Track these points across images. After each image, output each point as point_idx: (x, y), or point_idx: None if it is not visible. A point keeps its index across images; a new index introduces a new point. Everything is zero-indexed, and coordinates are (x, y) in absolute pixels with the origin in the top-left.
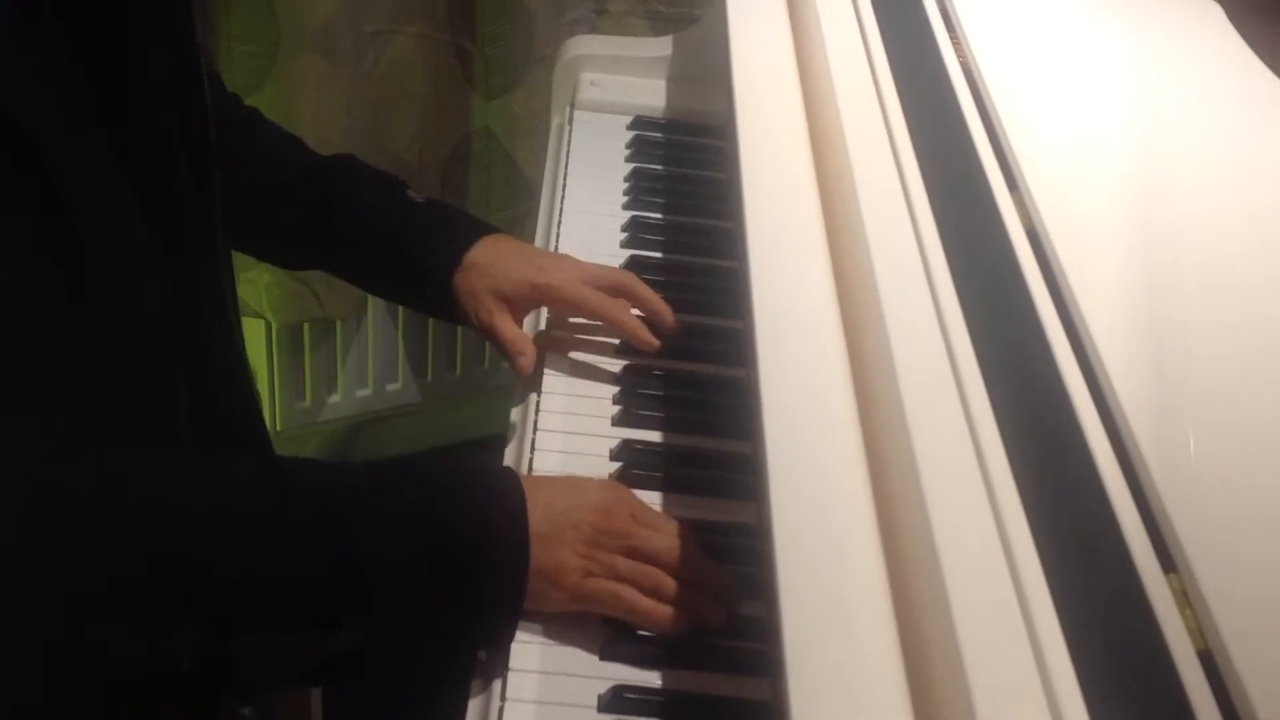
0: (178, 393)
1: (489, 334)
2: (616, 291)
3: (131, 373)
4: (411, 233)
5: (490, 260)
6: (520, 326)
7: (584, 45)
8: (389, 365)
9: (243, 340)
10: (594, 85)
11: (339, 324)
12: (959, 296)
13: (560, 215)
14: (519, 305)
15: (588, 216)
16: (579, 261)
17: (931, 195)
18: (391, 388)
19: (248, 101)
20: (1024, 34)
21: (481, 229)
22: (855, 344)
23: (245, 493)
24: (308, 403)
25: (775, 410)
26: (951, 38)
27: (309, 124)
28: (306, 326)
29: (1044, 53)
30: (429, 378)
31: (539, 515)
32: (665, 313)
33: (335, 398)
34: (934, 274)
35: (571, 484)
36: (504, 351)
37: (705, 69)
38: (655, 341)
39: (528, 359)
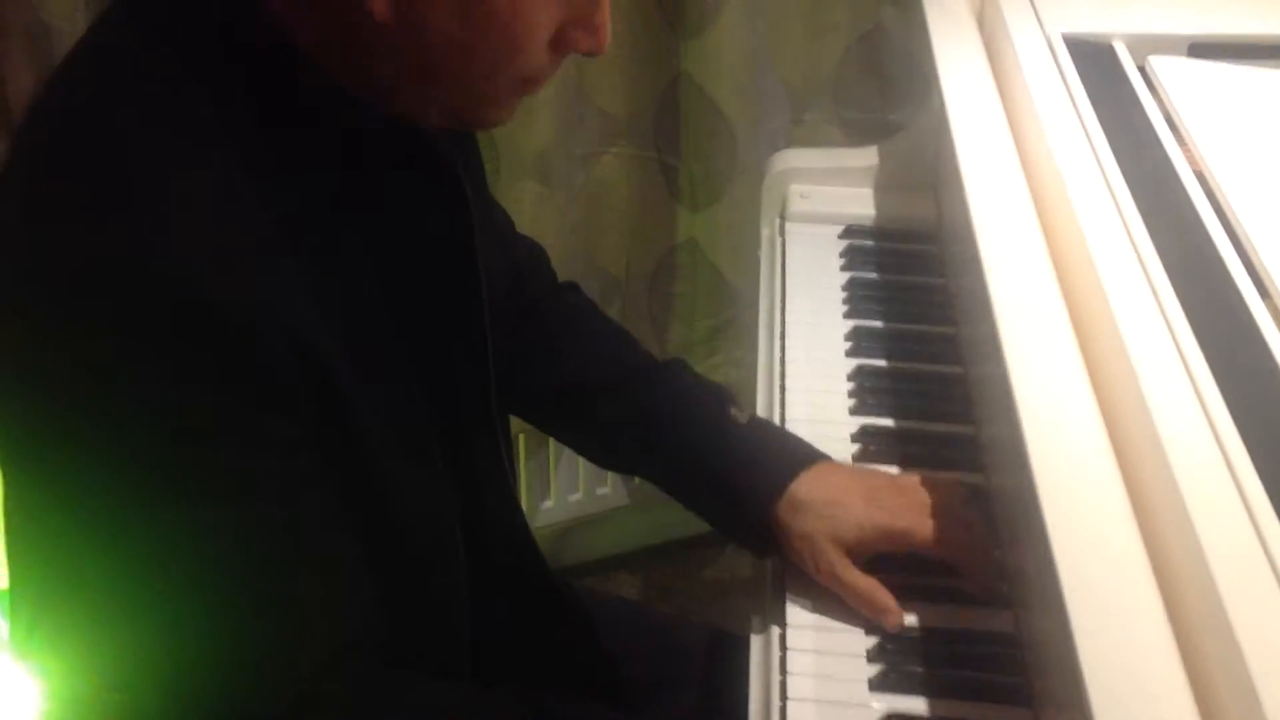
0: (459, 588)
1: (835, 586)
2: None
3: (414, 579)
4: (729, 455)
5: (825, 498)
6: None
7: (791, 159)
8: (598, 470)
9: (517, 498)
10: (804, 198)
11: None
12: (1245, 444)
13: (783, 327)
14: (864, 552)
15: (809, 327)
16: (912, 481)
17: (1186, 307)
18: (601, 491)
19: None
20: (1246, 131)
21: (808, 457)
22: (1124, 454)
23: None
24: (525, 509)
25: (1059, 523)
26: (1177, 138)
27: None
28: (522, 438)
29: (1269, 150)
30: (636, 480)
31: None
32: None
33: (549, 503)
34: (1204, 396)
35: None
36: (861, 607)
37: (913, 177)
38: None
39: (895, 616)
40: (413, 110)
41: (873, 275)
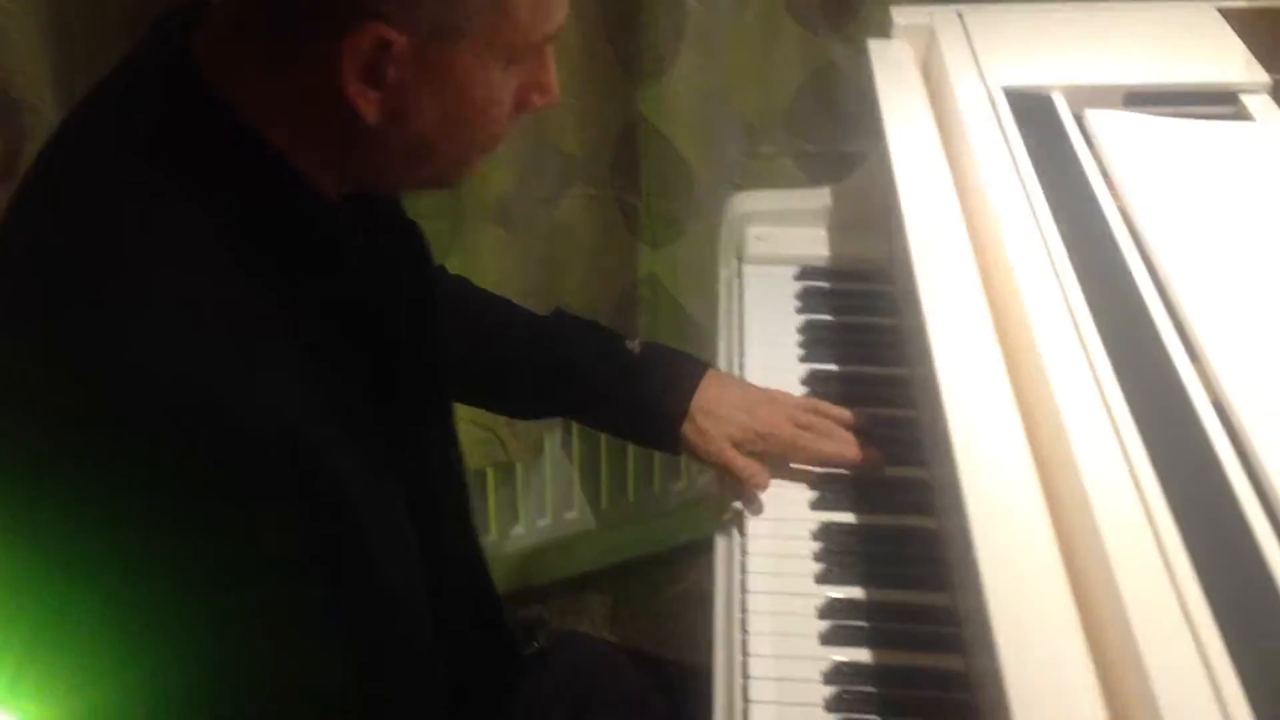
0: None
1: (722, 467)
2: (815, 412)
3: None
4: (634, 383)
5: (718, 409)
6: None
7: (748, 202)
8: (566, 495)
9: (470, 522)
10: (760, 240)
11: (518, 464)
12: (1163, 489)
13: (741, 372)
14: (745, 447)
15: (765, 370)
16: (784, 400)
17: (1111, 355)
18: (569, 515)
19: None
20: (1179, 184)
21: (699, 370)
22: (1051, 490)
23: None
24: (493, 535)
25: (992, 565)
26: (1109, 188)
27: (491, 286)
28: (490, 471)
29: (1201, 204)
30: (603, 504)
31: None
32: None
33: (518, 529)
34: (1128, 447)
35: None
36: (739, 479)
37: (866, 216)
38: (871, 455)
39: (762, 478)
40: (387, 186)
41: (828, 318)
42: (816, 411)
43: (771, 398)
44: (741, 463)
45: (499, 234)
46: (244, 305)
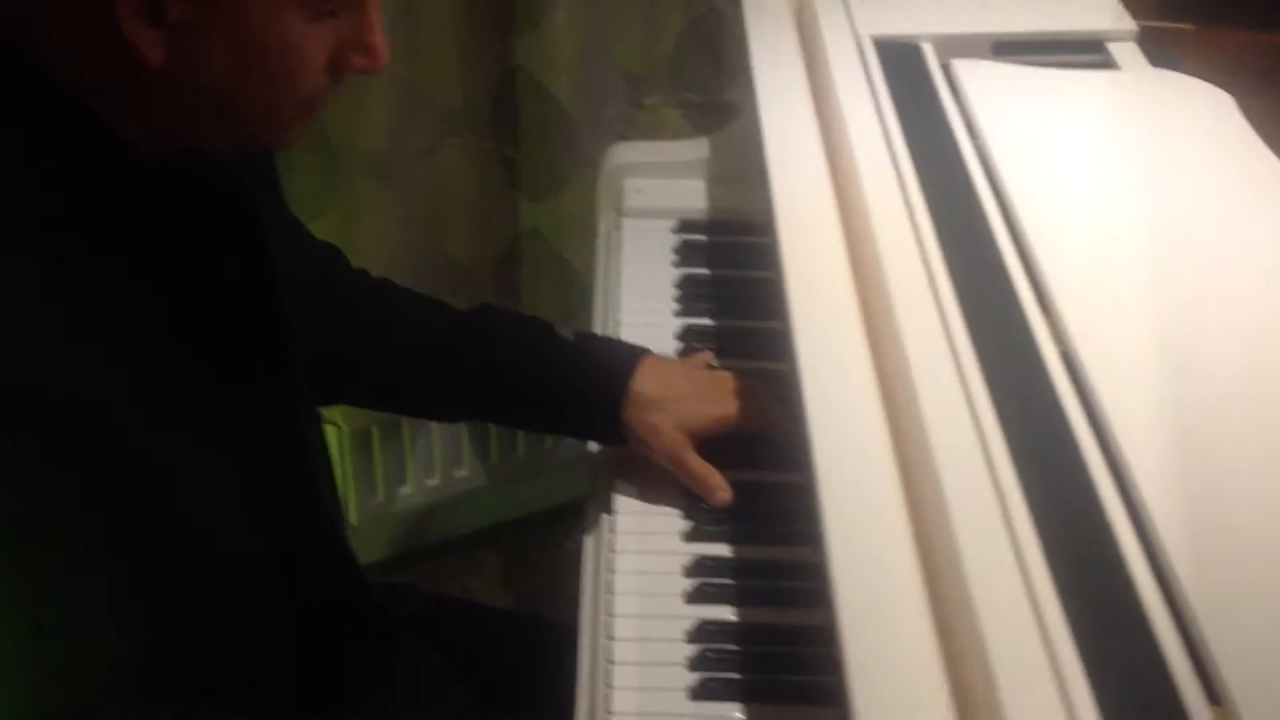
0: (281, 620)
1: (675, 467)
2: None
3: (229, 619)
4: (570, 372)
5: (662, 393)
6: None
7: (626, 153)
8: (454, 453)
9: (338, 504)
10: (639, 192)
11: (404, 421)
12: (1004, 433)
13: (617, 329)
14: (698, 437)
15: (642, 328)
16: (723, 373)
17: (967, 313)
18: (459, 474)
19: (311, 227)
20: (1041, 134)
21: (636, 356)
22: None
23: None
24: (381, 496)
25: (835, 515)
26: (972, 138)
27: (369, 242)
28: (375, 430)
29: (1062, 154)
30: (493, 461)
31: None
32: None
33: (406, 489)
34: (976, 404)
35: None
36: (696, 487)
37: (742, 168)
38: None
39: (726, 493)
40: (198, 141)
41: (705, 271)
42: (744, 376)
43: (715, 374)
44: (698, 468)
45: (376, 188)
46: (27, 250)
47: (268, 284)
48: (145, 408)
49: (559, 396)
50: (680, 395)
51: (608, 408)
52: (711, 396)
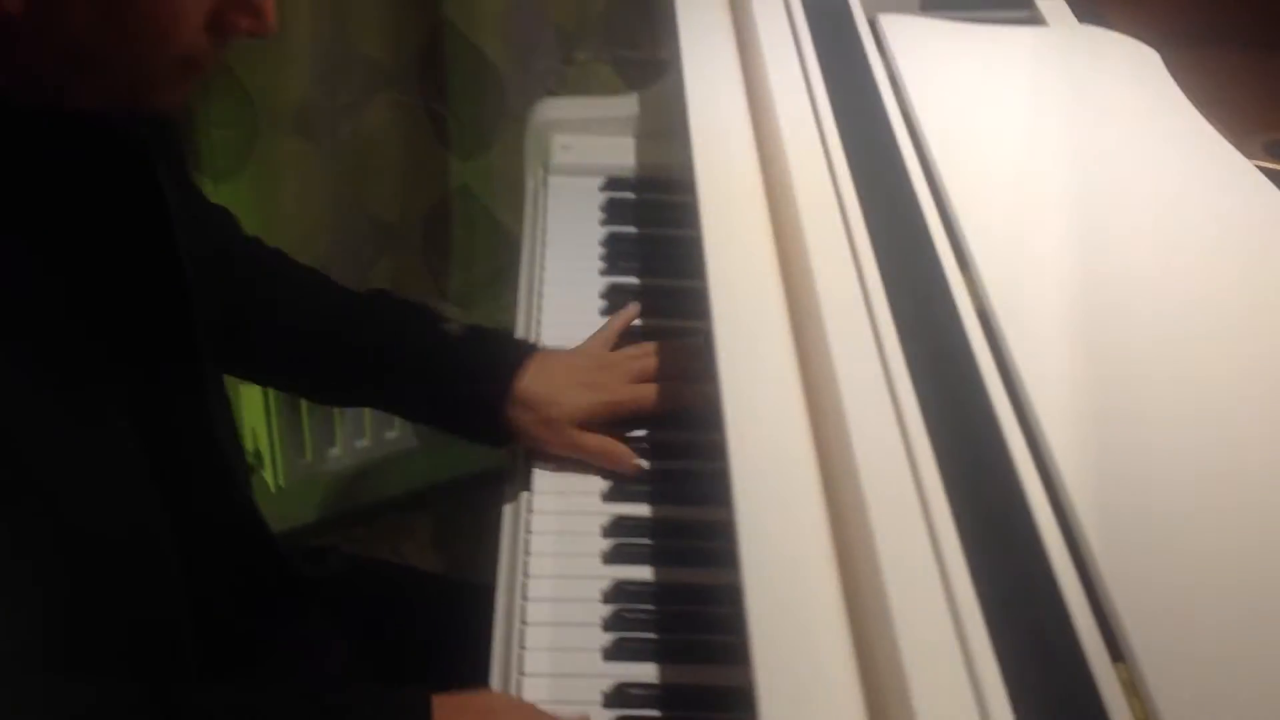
0: (175, 587)
1: (576, 453)
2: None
3: (121, 588)
4: (452, 368)
5: (548, 391)
6: None
7: (553, 109)
8: (384, 414)
9: (243, 461)
10: (565, 149)
11: None
12: (915, 387)
13: (541, 287)
14: (591, 424)
15: (566, 286)
16: (614, 357)
17: (884, 270)
18: (389, 435)
19: (229, 186)
20: (965, 89)
21: (523, 354)
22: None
23: None
24: (309, 457)
25: (745, 480)
26: (896, 92)
27: (291, 201)
28: None
29: (986, 109)
30: None
31: None
32: None
33: (335, 450)
34: (890, 360)
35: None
36: (603, 463)
37: (669, 124)
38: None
39: (632, 459)
40: (76, 99)
41: (631, 229)
42: (645, 355)
43: (602, 362)
44: (595, 444)
45: (299, 145)
46: None
47: (169, 248)
48: (34, 376)
49: (439, 394)
50: (566, 387)
51: (487, 407)
52: (598, 385)
